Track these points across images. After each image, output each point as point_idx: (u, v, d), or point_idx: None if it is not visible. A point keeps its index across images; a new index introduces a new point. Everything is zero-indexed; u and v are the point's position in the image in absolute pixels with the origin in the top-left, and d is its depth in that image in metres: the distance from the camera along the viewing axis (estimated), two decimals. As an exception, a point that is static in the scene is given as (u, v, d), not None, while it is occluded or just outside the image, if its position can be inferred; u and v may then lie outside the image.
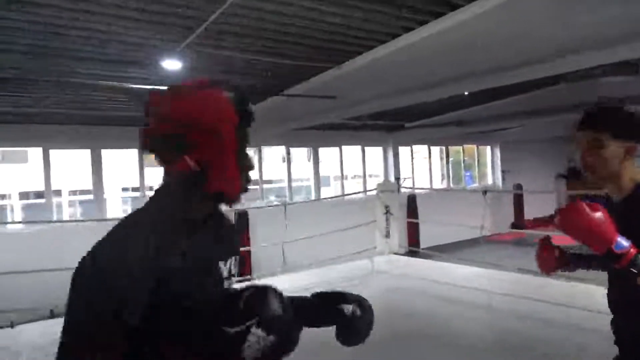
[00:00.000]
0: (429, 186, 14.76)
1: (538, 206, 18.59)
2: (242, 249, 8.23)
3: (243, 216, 10.69)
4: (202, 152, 1.08)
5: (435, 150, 16.01)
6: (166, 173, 1.16)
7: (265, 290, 1.07)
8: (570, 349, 3.72)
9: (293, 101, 7.51)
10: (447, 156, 16.26)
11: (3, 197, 14.90)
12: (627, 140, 1.71)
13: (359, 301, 1.44)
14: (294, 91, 7.09)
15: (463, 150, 16.85)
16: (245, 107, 1.19)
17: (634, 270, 1.48)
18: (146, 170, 10.21)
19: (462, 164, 17.02)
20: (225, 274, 1.27)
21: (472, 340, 4.03)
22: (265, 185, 13.68)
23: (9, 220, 13.56)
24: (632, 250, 1.49)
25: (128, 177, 12.57)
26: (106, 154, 9.75)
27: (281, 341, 1.02)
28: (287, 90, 7.15)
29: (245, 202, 14.06)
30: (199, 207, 1.18)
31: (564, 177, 20.03)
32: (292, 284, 6.20)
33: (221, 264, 1.25)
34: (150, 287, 0.99)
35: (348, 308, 1.39)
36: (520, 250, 14.16)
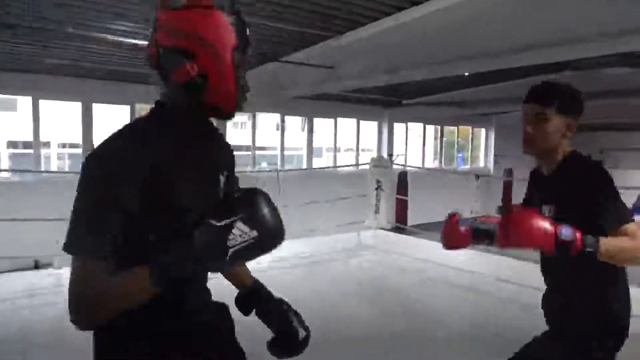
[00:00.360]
0: (420, 164, 14.78)
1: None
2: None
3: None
4: (202, 63, 1.14)
5: (430, 129, 15.96)
6: (166, 86, 1.23)
7: (254, 191, 1.15)
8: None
9: (291, 69, 7.38)
10: (442, 136, 16.24)
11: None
12: (569, 115, 1.84)
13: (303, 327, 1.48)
14: (293, 59, 6.96)
15: (458, 131, 16.82)
16: (244, 33, 1.23)
17: (590, 250, 1.50)
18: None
19: (456, 145, 17.02)
20: (221, 184, 1.35)
21: (452, 318, 4.10)
22: (257, 152, 13.60)
23: (-4, 168, 13.37)
24: (577, 235, 1.51)
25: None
26: (97, 109, 9.55)
27: (263, 237, 1.12)
28: (286, 57, 7.01)
29: (237, 167, 14.00)
30: (194, 114, 1.24)
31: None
32: (276, 252, 6.24)
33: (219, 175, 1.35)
34: (144, 176, 1.10)
35: (302, 333, 1.44)
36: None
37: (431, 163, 16.04)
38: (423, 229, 7.62)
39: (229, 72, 1.19)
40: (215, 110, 1.24)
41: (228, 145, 1.49)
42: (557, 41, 4.92)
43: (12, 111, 15.54)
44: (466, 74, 8.71)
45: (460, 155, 17.28)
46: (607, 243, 1.54)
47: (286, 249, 6.36)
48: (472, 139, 17.23)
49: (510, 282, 4.99)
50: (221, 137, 1.45)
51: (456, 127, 16.65)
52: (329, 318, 4.01)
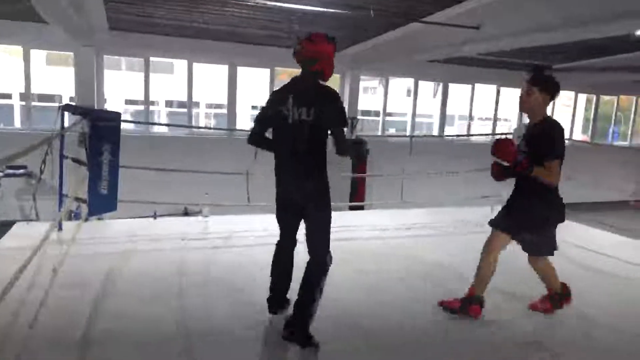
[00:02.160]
0: (568, 137, 13.29)
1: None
2: (358, 175, 8.22)
3: (360, 144, 10.69)
4: (322, 64, 2.79)
5: (582, 98, 14.18)
6: (306, 71, 2.82)
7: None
8: None
9: (432, 30, 7.01)
10: (597, 107, 14.32)
11: (152, 103, 16.63)
12: (547, 94, 3.04)
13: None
14: (434, 18, 6.59)
15: (618, 100, 14.67)
16: (335, 47, 2.85)
17: (526, 172, 2.96)
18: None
19: (614, 118, 14.90)
20: (300, 115, 2.75)
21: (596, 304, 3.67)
22: (387, 118, 13.43)
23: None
24: (524, 162, 2.96)
25: (259, 96, 13.13)
26: (241, 71, 10.21)
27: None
28: (428, 17, 6.66)
29: (364, 131, 14.06)
30: (320, 83, 2.83)
31: None
32: (405, 219, 6.16)
33: (302, 108, 2.75)
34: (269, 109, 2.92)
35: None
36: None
37: (579, 136, 14.35)
38: (569, 210, 6.87)
39: (331, 66, 2.84)
40: (324, 79, 2.84)
41: (324, 94, 2.78)
42: None
43: (169, 74, 17.38)
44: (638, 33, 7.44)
45: (615, 129, 15.14)
46: (536, 170, 2.94)
47: (413, 218, 6.25)
48: (635, 111, 14.94)
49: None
50: (322, 90, 2.80)
51: (616, 97, 14.54)
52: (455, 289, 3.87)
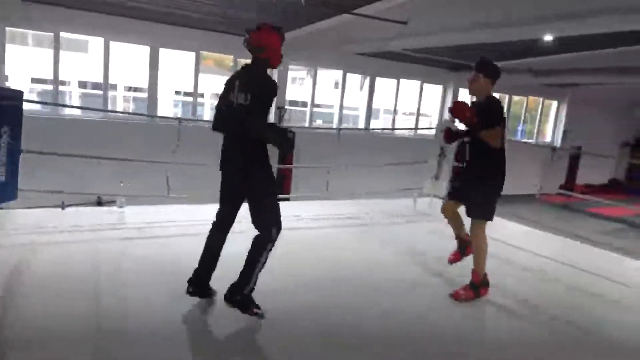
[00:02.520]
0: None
1: (592, 173, 17.67)
2: (284, 166, 8.10)
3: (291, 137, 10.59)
4: (269, 53, 2.95)
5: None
6: (255, 58, 2.98)
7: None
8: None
9: (361, 23, 7.05)
10: (509, 106, 15.35)
11: (63, 83, 15.31)
12: (490, 79, 3.56)
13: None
14: (365, 11, 6.63)
15: (527, 101, 15.83)
16: (283, 38, 3.03)
17: (476, 129, 3.44)
18: (201, 76, 10.12)
19: (523, 117, 16.06)
20: (238, 99, 2.90)
21: (511, 294, 3.90)
22: (315, 109, 13.43)
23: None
24: (476, 121, 3.41)
25: (182, 81, 12.54)
26: (164, 54, 9.67)
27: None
28: (359, 9, 6.68)
29: (292, 122, 13.97)
30: (263, 70, 2.96)
31: (629, 146, 18.79)
32: (332, 210, 6.18)
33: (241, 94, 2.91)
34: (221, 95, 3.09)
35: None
36: (566, 215, 13.69)
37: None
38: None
39: (279, 55, 3.00)
40: (271, 67, 3.01)
41: (254, 77, 2.92)
42: None
43: (83, 52, 16.09)
44: (548, 38, 8.01)
45: (520, 127, 16.34)
46: (483, 132, 3.44)
47: (339, 209, 6.30)
48: (541, 111, 16.20)
49: (575, 266, 4.70)
50: (259, 75, 2.92)
51: (526, 98, 15.68)
52: (377, 278, 3.94)
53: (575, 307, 3.81)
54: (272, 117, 10.74)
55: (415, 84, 13.22)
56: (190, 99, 10.62)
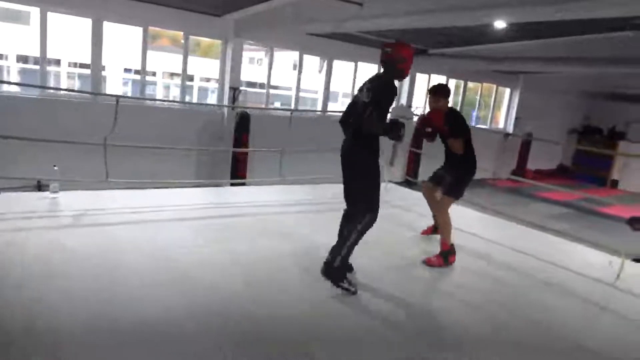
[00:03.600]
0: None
1: (542, 158, 18.33)
2: (239, 150, 7.89)
3: (245, 118, 10.31)
4: (404, 65, 3.42)
5: (451, 83, 15.28)
6: (388, 68, 3.45)
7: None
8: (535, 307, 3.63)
9: (317, 2, 6.83)
10: (464, 92, 15.57)
11: (0, 57, 14.27)
12: (446, 99, 4.23)
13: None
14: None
15: (482, 88, 16.11)
16: (414, 52, 3.48)
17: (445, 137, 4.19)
18: (154, 54, 9.62)
19: (477, 103, 16.36)
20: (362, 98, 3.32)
21: (461, 281, 3.91)
22: (271, 91, 13.13)
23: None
24: (446, 128, 4.11)
25: (132, 59, 11.93)
26: (110, 29, 9.09)
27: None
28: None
29: (247, 103, 13.63)
30: (393, 78, 3.46)
31: (576, 133, 19.56)
32: (286, 195, 6.03)
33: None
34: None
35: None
36: (516, 199, 14.12)
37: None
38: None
39: (409, 67, 3.46)
40: (402, 77, 3.52)
41: (384, 81, 3.39)
42: None
43: (24, 24, 15.00)
44: (501, 25, 8.07)
45: (476, 114, 16.67)
46: (450, 140, 4.14)
47: (293, 195, 6.15)
48: (495, 98, 16.55)
49: (525, 252, 4.78)
50: (388, 81, 3.39)
51: (480, 84, 15.94)
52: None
53: (522, 294, 3.86)
54: (225, 98, 10.39)
55: (373, 67, 13.13)
56: (139, 76, 10.07)
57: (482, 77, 15.46)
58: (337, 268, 3.32)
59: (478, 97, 16.28)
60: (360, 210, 3.36)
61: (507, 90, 16.73)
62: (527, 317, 3.46)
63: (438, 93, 4.21)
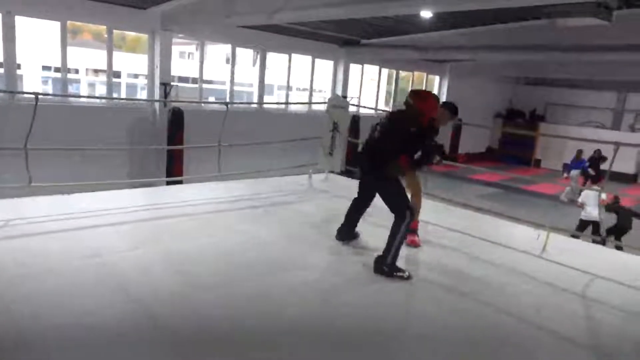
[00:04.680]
0: (374, 107, 14.57)
1: (472, 142, 19.28)
2: (173, 147, 7.58)
3: (178, 114, 9.97)
4: (430, 115, 3.86)
5: (384, 73, 15.64)
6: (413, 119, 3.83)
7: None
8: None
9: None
10: (397, 81, 15.98)
11: None
12: (450, 113, 4.38)
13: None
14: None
15: (413, 76, 16.61)
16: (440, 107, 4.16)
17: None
18: (71, 49, 9.03)
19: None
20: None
21: (400, 265, 4.03)
22: (205, 86, 12.79)
23: None
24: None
25: (51, 56, 11.14)
26: (24, 23, 8.42)
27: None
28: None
29: (180, 99, 13.19)
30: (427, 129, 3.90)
31: (501, 117, 20.73)
32: (225, 192, 5.91)
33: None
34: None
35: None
36: (450, 183, 14.75)
37: (383, 108, 15.88)
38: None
39: (436, 119, 3.98)
40: (435, 129, 4.02)
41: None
42: None
43: None
44: (427, 15, 8.34)
45: (411, 101, 17.24)
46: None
47: (233, 191, 6.04)
48: (426, 86, 17.13)
49: (460, 231, 5.01)
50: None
51: (411, 73, 16.43)
52: (280, 261, 3.84)
53: (456, 270, 4.04)
54: (156, 94, 9.99)
55: (307, 59, 13.14)
56: (59, 74, 9.43)
57: (412, 67, 15.94)
58: (390, 264, 3.69)
59: (410, 86, 16.78)
60: (399, 209, 3.77)
61: (437, 78, 17.37)
62: (459, 290, 3.63)
63: (444, 105, 4.29)
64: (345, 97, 12.94)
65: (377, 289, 3.56)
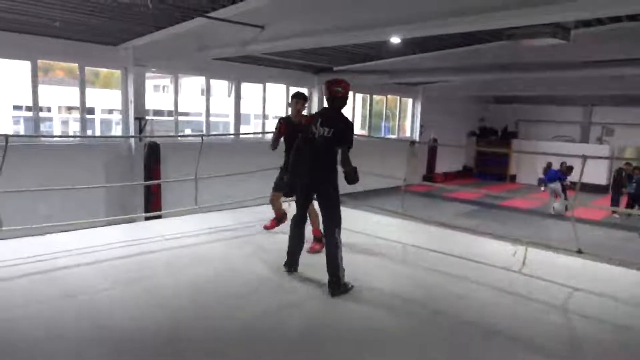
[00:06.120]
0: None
1: (448, 161, 19.62)
2: (150, 182, 7.52)
3: (154, 148, 9.92)
4: (345, 100, 4.15)
5: (359, 98, 15.91)
6: (332, 104, 4.12)
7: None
8: (471, 304, 3.87)
9: (218, 27, 6.81)
10: (371, 105, 16.26)
11: None
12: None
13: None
14: (221, 15, 6.40)
15: (387, 100, 16.93)
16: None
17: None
18: (42, 87, 8.96)
19: (384, 115, 17.15)
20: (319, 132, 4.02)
21: (381, 286, 4.04)
22: (181, 118, 12.79)
23: None
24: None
25: (22, 95, 11.00)
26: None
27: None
28: (213, 12, 6.44)
29: (157, 134, 13.12)
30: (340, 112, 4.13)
31: (475, 135, 21.20)
32: (202, 224, 5.86)
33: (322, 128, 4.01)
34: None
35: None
36: (431, 202, 14.91)
37: (358, 132, 16.10)
38: (353, 199, 7.56)
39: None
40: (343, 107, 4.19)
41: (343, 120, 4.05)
42: (496, 5, 4.81)
43: None
44: (396, 41, 8.59)
45: (386, 124, 17.50)
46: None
47: (211, 223, 6.00)
48: (400, 109, 17.46)
49: (442, 252, 5.06)
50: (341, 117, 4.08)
51: (385, 97, 16.75)
52: (258, 288, 3.81)
53: (440, 291, 4.07)
54: (131, 129, 9.94)
55: (281, 87, 13.30)
56: (30, 113, 9.32)
57: (386, 90, 16.26)
58: (344, 284, 3.90)
59: (384, 109, 17.10)
60: (335, 227, 3.95)
61: (410, 101, 17.74)
62: (445, 311, 3.65)
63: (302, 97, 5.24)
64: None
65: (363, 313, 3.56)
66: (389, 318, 3.53)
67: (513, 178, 20.20)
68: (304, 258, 4.44)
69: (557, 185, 13.73)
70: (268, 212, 6.46)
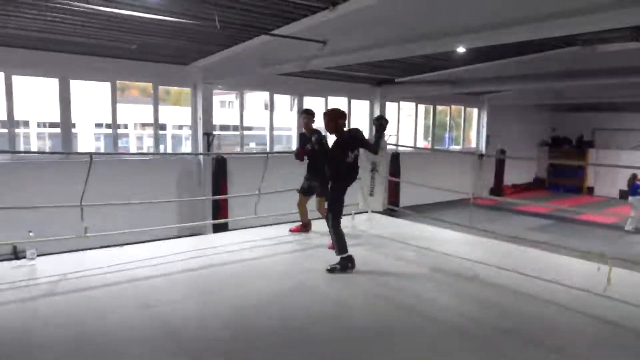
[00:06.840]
0: (412, 144, 14.50)
1: (517, 173, 18.71)
2: (218, 197, 7.81)
3: (221, 162, 10.29)
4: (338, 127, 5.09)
5: (421, 108, 15.63)
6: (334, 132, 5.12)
7: None
8: (541, 324, 3.61)
9: (281, 44, 6.97)
10: (434, 115, 15.90)
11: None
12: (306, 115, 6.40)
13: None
14: (284, 32, 6.55)
15: (450, 110, 16.50)
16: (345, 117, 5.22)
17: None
18: (120, 106, 9.59)
19: (448, 125, 16.70)
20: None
21: (440, 307, 3.87)
22: (245, 132, 13.17)
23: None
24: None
25: (102, 113, 11.85)
26: (77, 86, 9.07)
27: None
28: (276, 30, 6.60)
29: (223, 148, 13.59)
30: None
31: (546, 145, 20.10)
32: (271, 235, 5.96)
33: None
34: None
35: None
36: (499, 215, 14.27)
37: (421, 144, 15.78)
38: (417, 211, 7.38)
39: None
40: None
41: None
42: (561, 13, 4.54)
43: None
44: (462, 50, 8.36)
45: (448, 135, 17.01)
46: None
47: (280, 233, 6.09)
48: (464, 119, 16.95)
49: (507, 268, 4.78)
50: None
51: (448, 107, 16.34)
52: (325, 302, 3.79)
53: (514, 314, 3.84)
54: (200, 144, 10.37)
55: (343, 100, 13.35)
56: (110, 130, 10.00)
57: (449, 100, 15.87)
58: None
59: (448, 119, 16.66)
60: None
61: (475, 111, 17.18)
62: (524, 338, 3.43)
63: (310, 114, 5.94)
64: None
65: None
66: (460, 343, 3.38)
67: (591, 190, 18.91)
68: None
69: (636, 199, 12.72)
70: (324, 226, 6.50)
